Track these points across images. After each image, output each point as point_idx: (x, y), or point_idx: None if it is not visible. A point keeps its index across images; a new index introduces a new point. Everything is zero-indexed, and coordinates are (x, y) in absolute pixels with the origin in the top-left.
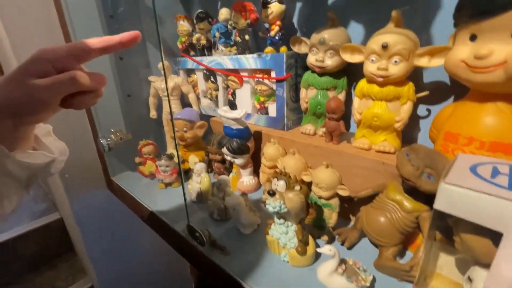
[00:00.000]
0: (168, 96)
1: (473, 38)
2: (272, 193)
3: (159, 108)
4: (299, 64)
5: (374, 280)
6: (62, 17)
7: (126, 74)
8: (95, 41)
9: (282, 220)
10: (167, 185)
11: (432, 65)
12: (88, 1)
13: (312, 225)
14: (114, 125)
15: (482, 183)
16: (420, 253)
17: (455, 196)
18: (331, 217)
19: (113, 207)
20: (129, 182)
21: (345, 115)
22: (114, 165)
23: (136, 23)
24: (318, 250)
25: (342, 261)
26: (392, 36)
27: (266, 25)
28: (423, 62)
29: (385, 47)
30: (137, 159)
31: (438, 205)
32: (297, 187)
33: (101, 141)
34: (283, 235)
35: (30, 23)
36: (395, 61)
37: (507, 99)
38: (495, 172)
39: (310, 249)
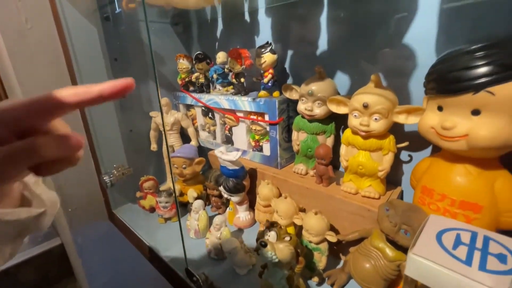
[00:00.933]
0: (165, 133)
1: (440, 108)
2: (264, 245)
3: (160, 141)
4: (291, 108)
5: None
6: (69, 58)
7: (128, 110)
8: (67, 94)
9: (277, 269)
10: (167, 219)
11: (409, 123)
12: (93, 44)
13: (304, 266)
14: (116, 160)
15: (443, 255)
16: None
17: (421, 266)
18: (321, 260)
19: (114, 238)
20: (130, 215)
21: (335, 157)
22: (116, 198)
23: (139, 64)
24: None
25: None
26: (371, 96)
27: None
28: (401, 119)
29: (365, 106)
30: (138, 194)
31: (408, 272)
32: (287, 238)
33: (104, 178)
34: (276, 280)
35: (38, 62)
36: (375, 118)
37: (474, 162)
38: (457, 242)
39: None
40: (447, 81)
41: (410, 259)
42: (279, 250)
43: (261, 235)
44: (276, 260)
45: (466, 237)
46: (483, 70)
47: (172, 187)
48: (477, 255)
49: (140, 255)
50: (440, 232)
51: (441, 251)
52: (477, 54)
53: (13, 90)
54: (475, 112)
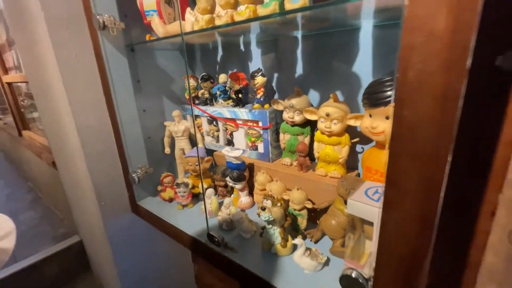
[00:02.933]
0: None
1: (370, 115)
2: (263, 209)
3: (172, 146)
4: (278, 116)
5: (328, 260)
6: (106, 82)
7: (147, 120)
8: None
9: (270, 225)
10: (184, 206)
11: (357, 125)
12: (123, 70)
13: (290, 228)
14: (139, 161)
15: (365, 199)
16: (351, 241)
17: (354, 205)
18: (302, 222)
19: (139, 226)
20: (152, 206)
21: (310, 151)
22: (139, 192)
23: (156, 85)
24: (293, 241)
25: (308, 249)
26: (331, 108)
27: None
28: (351, 122)
29: (327, 115)
30: (159, 187)
31: (349, 210)
32: (279, 204)
33: (133, 175)
34: (272, 236)
35: (82, 86)
36: (335, 123)
37: None
38: (375, 192)
39: (289, 244)
40: (372, 99)
41: (349, 203)
42: (273, 211)
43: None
44: (272, 218)
45: (380, 190)
46: (388, 93)
47: (185, 181)
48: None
49: (164, 236)
50: (367, 189)
51: (365, 197)
52: (386, 83)
53: (65, 109)
54: (387, 118)
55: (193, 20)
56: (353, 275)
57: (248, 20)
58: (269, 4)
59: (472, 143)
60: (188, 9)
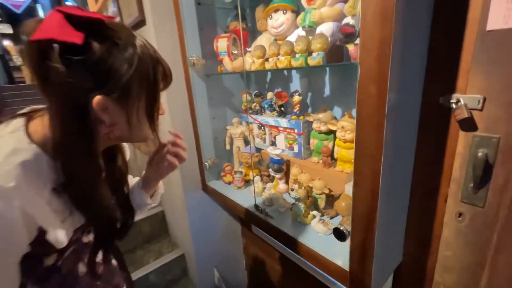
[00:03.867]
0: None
1: None
2: (293, 189)
3: (231, 144)
4: (309, 126)
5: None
6: (191, 97)
7: (215, 125)
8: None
9: (297, 202)
10: (239, 188)
11: None
12: (202, 90)
13: (313, 207)
14: (209, 154)
15: None
16: None
17: (350, 189)
18: (321, 203)
19: (205, 202)
20: (216, 186)
21: (332, 153)
22: (208, 176)
23: (223, 99)
24: (311, 212)
25: (322, 219)
26: (346, 122)
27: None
28: None
29: (343, 127)
30: (222, 173)
31: (347, 191)
32: (303, 188)
33: (204, 163)
34: (298, 209)
35: (178, 100)
36: (348, 133)
37: None
38: None
39: (310, 216)
40: None
41: (347, 188)
42: (299, 192)
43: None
44: (298, 197)
45: None
46: None
47: (240, 170)
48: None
49: (223, 214)
50: None
51: None
52: None
53: (166, 115)
54: None
55: (251, 61)
56: (341, 228)
57: (285, 68)
58: (298, 59)
59: (431, 153)
60: (248, 53)
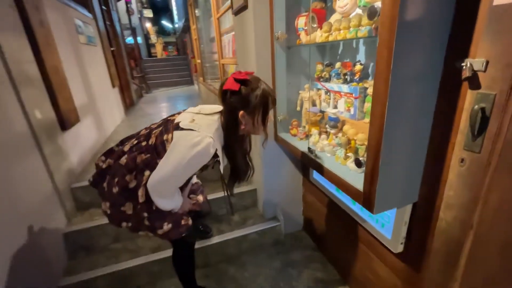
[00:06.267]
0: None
1: None
2: (337, 137)
3: (301, 106)
4: (366, 91)
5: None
6: (273, 65)
7: (290, 89)
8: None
9: (339, 147)
10: (301, 139)
11: None
12: (282, 59)
13: (355, 154)
14: (282, 111)
15: None
16: None
17: None
18: (361, 153)
19: (276, 150)
20: (284, 136)
21: None
22: (279, 129)
23: (298, 68)
24: (348, 154)
25: (355, 158)
26: None
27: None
28: None
29: None
30: (290, 127)
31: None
32: (345, 137)
33: (278, 118)
34: (339, 153)
35: (264, 67)
36: None
37: None
38: None
39: (348, 159)
40: None
41: None
42: (341, 139)
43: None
44: (340, 142)
45: None
46: None
47: (304, 125)
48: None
49: (289, 154)
50: None
51: None
52: None
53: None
54: None
55: (319, 35)
56: (360, 158)
57: (351, 39)
58: (351, 32)
59: (446, 110)
60: (319, 29)
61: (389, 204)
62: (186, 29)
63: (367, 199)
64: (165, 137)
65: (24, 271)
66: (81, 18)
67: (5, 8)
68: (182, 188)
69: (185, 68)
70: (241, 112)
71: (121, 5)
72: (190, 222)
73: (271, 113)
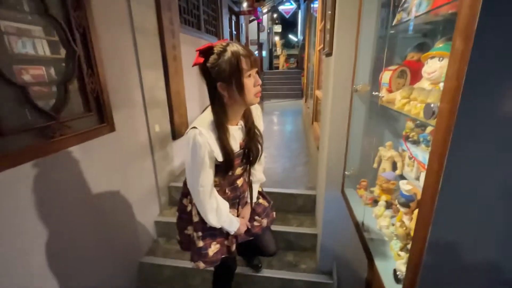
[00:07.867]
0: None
1: None
2: (393, 224)
3: (378, 164)
4: None
5: None
6: (350, 112)
7: (366, 145)
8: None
9: (396, 239)
10: (366, 204)
11: None
12: (362, 110)
13: None
14: (353, 166)
15: None
16: None
17: None
18: None
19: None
20: (349, 194)
21: None
22: (347, 183)
23: (381, 124)
24: (401, 253)
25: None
26: None
27: None
28: None
29: None
30: (357, 186)
31: None
32: (404, 228)
33: (346, 172)
34: (395, 246)
35: (340, 116)
36: None
37: None
38: None
39: (401, 259)
40: None
41: None
42: (398, 230)
43: None
44: (395, 233)
45: None
46: None
47: (372, 190)
48: None
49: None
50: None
51: None
52: None
53: (328, 114)
54: None
55: (399, 99)
56: (397, 273)
57: (415, 117)
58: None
59: None
60: (400, 91)
61: None
62: (303, 46)
63: None
64: None
65: (123, 241)
66: None
67: (152, 50)
68: (230, 200)
69: (298, 82)
70: (218, 84)
71: (253, 23)
72: (233, 248)
73: (253, 73)
